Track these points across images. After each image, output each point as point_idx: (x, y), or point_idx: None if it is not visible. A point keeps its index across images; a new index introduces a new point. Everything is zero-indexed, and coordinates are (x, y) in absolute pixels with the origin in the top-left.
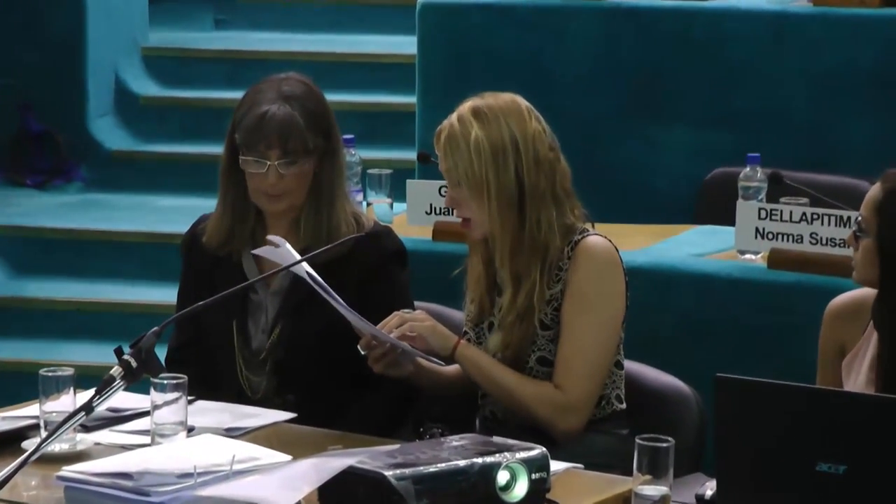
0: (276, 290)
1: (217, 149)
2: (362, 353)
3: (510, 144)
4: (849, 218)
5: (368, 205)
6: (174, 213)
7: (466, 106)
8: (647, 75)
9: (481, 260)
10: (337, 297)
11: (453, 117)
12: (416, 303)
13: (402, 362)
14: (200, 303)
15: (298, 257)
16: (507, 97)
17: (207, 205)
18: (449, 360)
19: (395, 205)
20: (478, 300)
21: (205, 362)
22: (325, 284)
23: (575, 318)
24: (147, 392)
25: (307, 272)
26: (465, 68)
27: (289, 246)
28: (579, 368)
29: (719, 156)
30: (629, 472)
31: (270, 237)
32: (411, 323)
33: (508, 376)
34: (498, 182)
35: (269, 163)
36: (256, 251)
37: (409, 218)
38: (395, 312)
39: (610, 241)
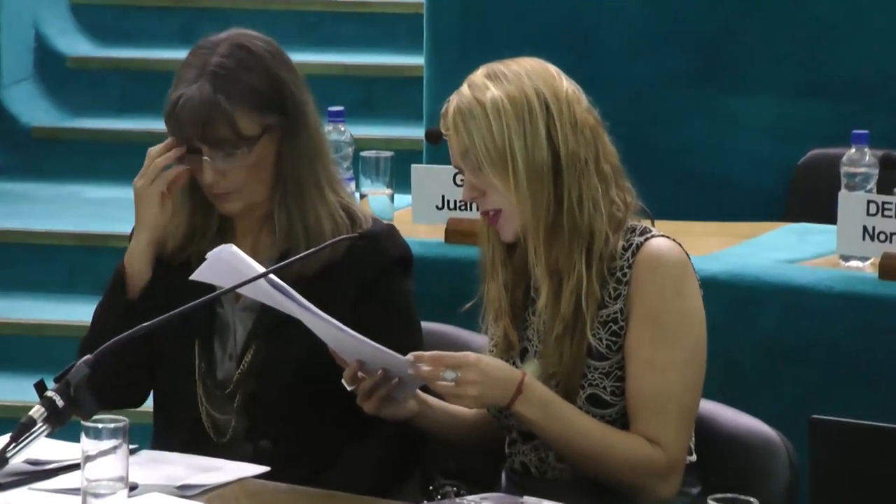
0: (247, 305)
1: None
2: (348, 388)
3: (538, 102)
4: None
5: (363, 197)
6: (112, 208)
7: (478, 72)
8: (717, 33)
9: (505, 280)
10: (313, 308)
11: (463, 88)
12: (424, 324)
13: (400, 398)
14: (145, 324)
15: (257, 269)
16: (528, 59)
17: None
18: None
19: (396, 197)
20: (504, 327)
21: (156, 397)
22: (295, 293)
23: (655, 351)
24: (77, 439)
25: (269, 281)
26: (485, 21)
27: (242, 255)
28: (674, 417)
29: (815, 134)
30: None
31: (212, 252)
32: (462, 370)
33: (589, 424)
34: (525, 149)
35: (203, 157)
36: (194, 276)
37: (414, 214)
38: (426, 354)
39: (679, 244)
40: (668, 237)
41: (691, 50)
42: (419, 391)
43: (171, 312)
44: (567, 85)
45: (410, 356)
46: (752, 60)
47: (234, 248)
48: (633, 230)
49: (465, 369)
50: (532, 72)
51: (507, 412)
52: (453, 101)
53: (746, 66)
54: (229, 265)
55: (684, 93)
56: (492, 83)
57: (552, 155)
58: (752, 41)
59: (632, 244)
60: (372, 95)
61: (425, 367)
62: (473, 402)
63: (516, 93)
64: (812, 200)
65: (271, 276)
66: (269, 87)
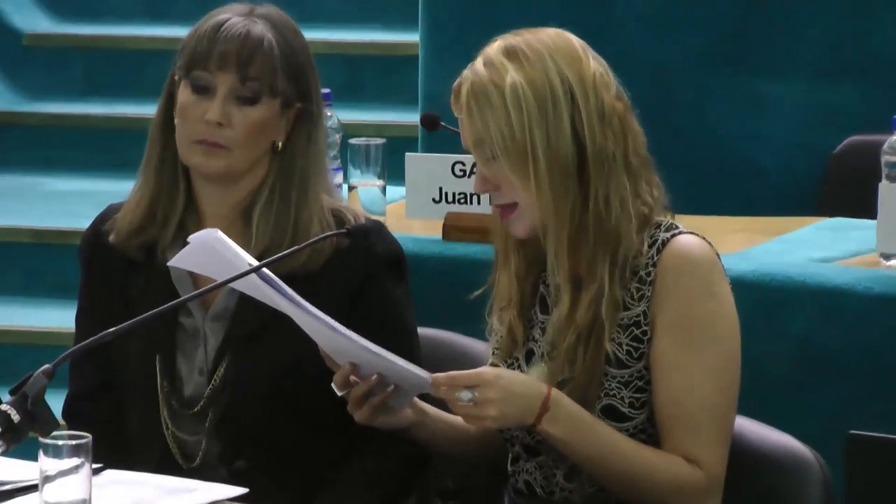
0: (219, 312)
1: (137, 108)
2: (338, 393)
3: (562, 89)
4: None
5: (351, 189)
6: (74, 203)
7: (494, 46)
8: (743, 9)
9: (517, 269)
10: (304, 303)
11: (477, 64)
12: (421, 330)
13: (396, 406)
14: (109, 330)
15: (247, 260)
16: (550, 32)
17: (121, 190)
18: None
19: (388, 189)
20: (508, 321)
21: (117, 415)
22: (286, 287)
23: (687, 359)
24: (35, 458)
25: (259, 274)
26: None
27: (229, 242)
28: (712, 432)
29: (852, 119)
30: None
31: (195, 235)
32: (480, 388)
33: (625, 443)
34: (548, 143)
35: (216, 90)
36: (173, 261)
37: (408, 208)
38: (442, 377)
39: (709, 241)
40: (695, 234)
41: (715, 27)
42: (416, 399)
43: (128, 322)
44: (594, 66)
45: (427, 376)
46: (782, 38)
47: (219, 233)
48: (658, 226)
49: (483, 387)
50: (556, 50)
51: (532, 431)
52: (467, 79)
53: (776, 45)
54: (215, 253)
55: (708, 74)
56: (511, 63)
57: (577, 149)
58: (782, 17)
59: (656, 241)
60: (361, 76)
61: (444, 389)
62: (495, 423)
63: (538, 78)
64: (849, 192)
65: (269, 274)
66: (304, 63)
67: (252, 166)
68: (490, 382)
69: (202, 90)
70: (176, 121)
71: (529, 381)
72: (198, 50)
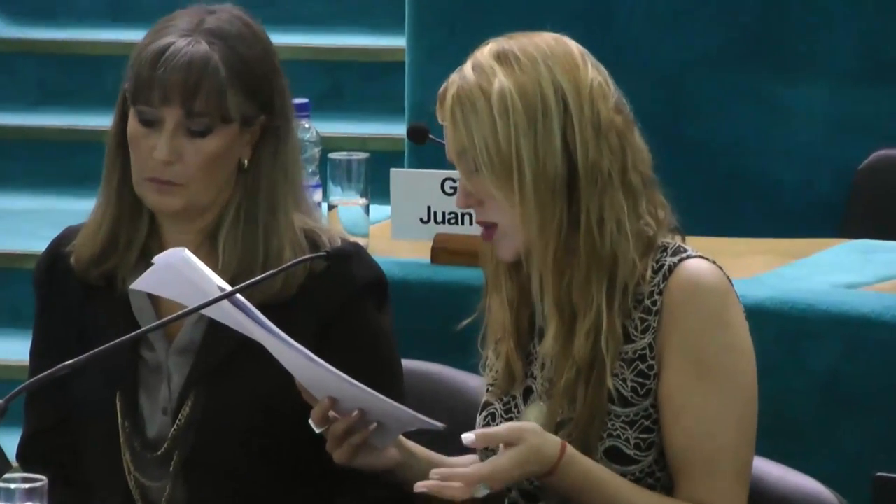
0: (184, 345)
1: (96, 119)
2: (316, 430)
3: (554, 98)
4: None
5: (331, 208)
6: (27, 221)
7: (486, 50)
8: (762, 6)
9: (510, 297)
10: (280, 333)
11: (466, 68)
12: (406, 362)
13: (379, 446)
14: (65, 363)
15: (216, 283)
16: (547, 37)
17: (79, 209)
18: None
19: (372, 208)
20: (505, 354)
21: (76, 456)
22: (260, 315)
23: (701, 397)
24: None
25: (232, 300)
26: None
27: (197, 263)
28: (730, 476)
29: (880, 130)
30: None
31: (160, 256)
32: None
33: (636, 491)
34: (535, 156)
35: (163, 123)
36: (135, 284)
37: (394, 228)
38: (482, 434)
39: (720, 267)
40: (705, 258)
41: (731, 26)
42: (402, 437)
43: (85, 355)
44: (593, 74)
45: (422, 417)
46: (805, 39)
47: (186, 253)
48: (664, 249)
49: (507, 436)
50: (551, 56)
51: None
52: (454, 83)
53: (798, 46)
54: (181, 275)
55: (721, 78)
56: (501, 68)
57: (568, 165)
58: (804, 15)
59: (662, 266)
60: (342, 84)
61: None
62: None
63: (529, 85)
64: (877, 211)
65: (242, 300)
66: (262, 74)
67: (216, 194)
68: (526, 440)
69: (149, 123)
70: (130, 146)
71: (547, 436)
72: (139, 81)
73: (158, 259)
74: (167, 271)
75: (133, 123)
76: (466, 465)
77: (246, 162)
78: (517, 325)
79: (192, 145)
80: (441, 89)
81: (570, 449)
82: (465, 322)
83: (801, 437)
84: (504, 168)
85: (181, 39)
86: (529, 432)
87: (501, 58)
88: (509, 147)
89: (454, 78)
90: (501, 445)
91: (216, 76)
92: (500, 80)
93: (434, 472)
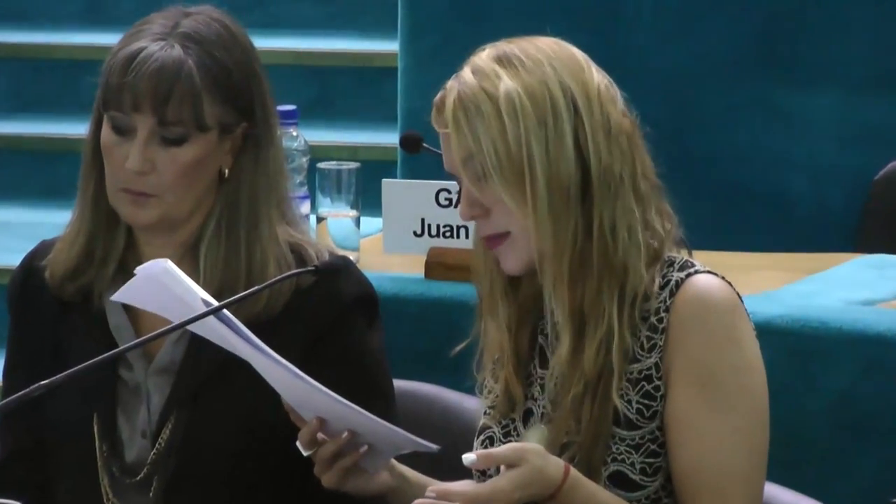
0: (164, 365)
1: (72, 127)
2: (303, 453)
3: (563, 100)
4: None
5: (319, 220)
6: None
7: (484, 54)
8: (772, 11)
9: (507, 318)
10: (267, 349)
11: (464, 73)
12: (398, 383)
13: (370, 469)
14: (40, 384)
15: (200, 296)
16: (548, 40)
17: (55, 222)
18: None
19: (363, 220)
20: (504, 377)
21: (50, 482)
22: (247, 331)
23: (710, 419)
24: None
25: (218, 315)
26: (477, 2)
27: (180, 275)
28: (739, 501)
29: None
30: None
31: (142, 267)
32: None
33: None
34: (548, 159)
35: (136, 132)
36: (115, 296)
37: (386, 242)
38: (484, 455)
39: (729, 283)
40: (714, 273)
41: (739, 31)
42: (394, 461)
43: (61, 375)
44: (599, 78)
45: (417, 440)
46: (816, 45)
47: (169, 264)
48: (671, 264)
49: (509, 457)
50: (555, 59)
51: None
52: (453, 89)
53: (809, 53)
54: (163, 288)
55: (729, 85)
56: (505, 71)
57: (581, 169)
58: (816, 20)
59: (669, 281)
60: (331, 90)
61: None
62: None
63: (537, 86)
64: (893, 224)
65: (229, 316)
66: (241, 79)
67: (195, 206)
68: (528, 461)
69: (121, 131)
70: (104, 154)
71: (550, 457)
72: (109, 86)
73: (140, 270)
74: (149, 283)
75: (106, 131)
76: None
77: (226, 171)
78: (516, 348)
79: (167, 154)
80: (438, 96)
81: (573, 471)
82: (459, 347)
83: (814, 461)
84: (515, 172)
85: (153, 44)
86: (532, 453)
87: (503, 61)
88: (520, 150)
89: (452, 84)
90: (503, 466)
91: (190, 82)
92: (506, 82)
93: (430, 489)
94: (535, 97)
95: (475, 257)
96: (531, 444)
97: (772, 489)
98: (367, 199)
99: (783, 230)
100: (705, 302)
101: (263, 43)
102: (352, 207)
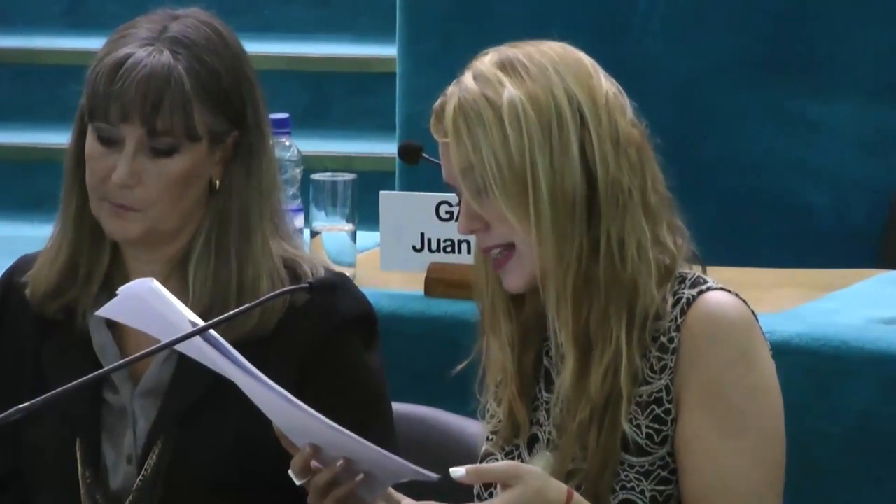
0: (150, 387)
1: (55, 136)
2: (297, 481)
3: (569, 109)
4: None
5: (314, 235)
6: None
7: (486, 59)
8: (786, 13)
9: (510, 338)
10: (257, 373)
11: (465, 79)
12: (396, 405)
13: (367, 498)
14: (19, 407)
15: (187, 316)
16: (554, 45)
17: (36, 235)
18: None
19: (360, 235)
20: (507, 401)
21: None
22: (236, 353)
23: (724, 444)
24: None
25: (205, 336)
26: (479, 4)
27: (166, 294)
28: None
29: None
30: None
31: (127, 286)
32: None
33: None
34: (552, 171)
35: (124, 142)
36: (100, 311)
37: (383, 257)
38: (475, 470)
39: (743, 300)
40: (727, 290)
41: (753, 34)
42: (392, 489)
43: (41, 398)
44: (607, 86)
45: (416, 468)
46: (832, 48)
47: (154, 283)
48: (682, 280)
49: (514, 474)
50: (561, 64)
51: None
52: (453, 95)
53: (826, 57)
54: (149, 308)
55: (743, 91)
56: (507, 77)
57: (587, 182)
58: (832, 22)
59: (680, 299)
60: (327, 97)
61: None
62: None
63: (542, 94)
64: None
65: (209, 331)
66: (232, 85)
67: (184, 220)
68: (526, 482)
69: (108, 142)
70: (87, 165)
71: (551, 480)
72: (96, 96)
73: (124, 289)
74: (133, 302)
75: (91, 142)
76: None
77: (217, 183)
78: (520, 369)
79: (155, 166)
80: (438, 103)
81: (577, 496)
82: (460, 366)
83: (832, 485)
84: (517, 185)
85: (141, 50)
86: (530, 473)
87: (507, 67)
88: (523, 162)
89: (453, 90)
90: (499, 486)
91: (180, 90)
92: (510, 89)
93: None
94: (539, 106)
95: (475, 271)
96: (530, 465)
97: None
98: (364, 213)
99: (801, 244)
100: (718, 320)
101: (255, 47)
102: (348, 221)
